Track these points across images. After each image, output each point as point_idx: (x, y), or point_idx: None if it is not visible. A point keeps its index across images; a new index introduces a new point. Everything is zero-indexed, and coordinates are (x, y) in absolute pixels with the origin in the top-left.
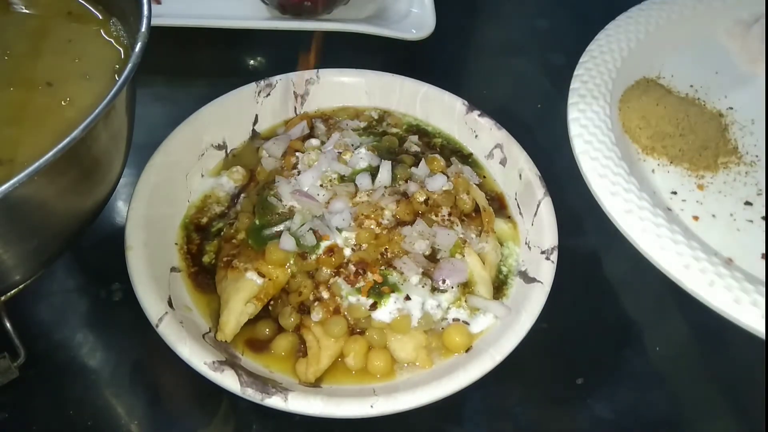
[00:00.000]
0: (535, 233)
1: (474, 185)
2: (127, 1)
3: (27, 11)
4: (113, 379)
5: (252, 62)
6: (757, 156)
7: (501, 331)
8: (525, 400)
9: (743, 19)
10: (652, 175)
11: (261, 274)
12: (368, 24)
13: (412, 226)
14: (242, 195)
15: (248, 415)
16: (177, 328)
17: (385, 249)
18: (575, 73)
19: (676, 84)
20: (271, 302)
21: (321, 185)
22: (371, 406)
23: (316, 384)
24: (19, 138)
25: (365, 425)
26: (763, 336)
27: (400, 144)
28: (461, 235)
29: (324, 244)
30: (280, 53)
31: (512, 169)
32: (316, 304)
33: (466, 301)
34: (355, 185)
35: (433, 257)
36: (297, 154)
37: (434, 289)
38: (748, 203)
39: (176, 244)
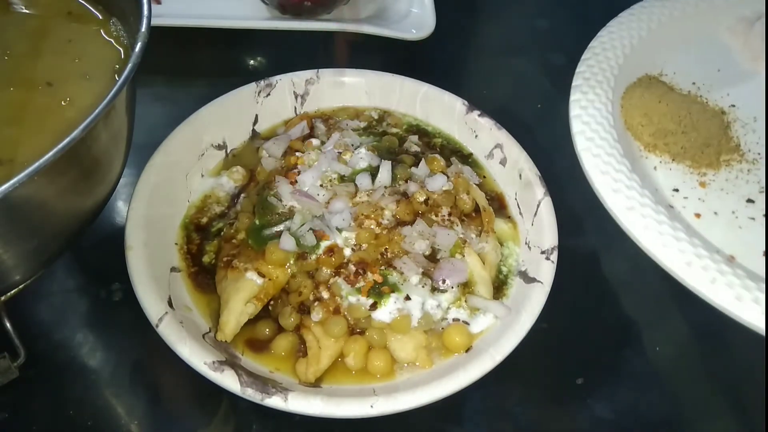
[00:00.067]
0: (535, 233)
1: (474, 185)
2: (127, 1)
3: (27, 11)
4: (113, 379)
5: (252, 62)
6: (759, 153)
7: (501, 331)
8: (525, 400)
9: (745, 17)
10: (654, 173)
11: (261, 274)
12: (368, 24)
13: (412, 226)
14: (242, 195)
15: (248, 415)
16: (177, 328)
17: (385, 249)
18: (577, 69)
19: (679, 81)
20: (271, 302)
21: (321, 185)
22: (371, 406)
23: (316, 384)
24: (19, 138)
25: (365, 425)
26: (764, 333)
27: (400, 144)
28: (461, 235)
29: (324, 244)
30: (280, 53)
31: (512, 169)
32: (316, 304)
33: (466, 301)
34: (355, 185)
35: (433, 257)
36: (297, 153)
37: (434, 289)
38: (750, 201)
39: (176, 244)
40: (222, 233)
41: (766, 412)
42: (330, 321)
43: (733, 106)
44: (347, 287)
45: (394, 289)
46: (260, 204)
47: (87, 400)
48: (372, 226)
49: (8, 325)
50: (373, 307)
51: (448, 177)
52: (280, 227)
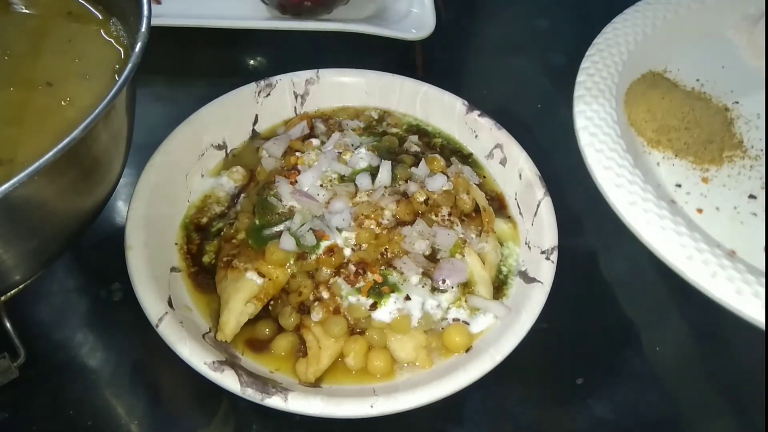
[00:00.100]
0: (535, 233)
1: (474, 185)
2: (127, 1)
3: (27, 11)
4: (113, 379)
5: (252, 62)
6: (762, 150)
7: (501, 331)
8: (525, 400)
9: (750, 14)
10: (657, 168)
11: (261, 274)
12: (368, 24)
13: (412, 226)
14: (242, 195)
15: (248, 415)
16: (177, 328)
17: (385, 249)
18: (582, 65)
19: (683, 78)
20: (271, 302)
21: (321, 185)
22: (371, 406)
23: (316, 384)
24: (19, 138)
25: (365, 425)
26: (764, 327)
27: (400, 144)
28: (461, 235)
29: (324, 244)
30: (280, 53)
31: (512, 169)
32: (316, 304)
33: (466, 301)
34: (355, 185)
35: (433, 257)
36: (297, 153)
37: (434, 289)
38: (752, 196)
39: (176, 244)
40: (222, 233)
41: (766, 412)
42: (330, 321)
43: (737, 102)
44: (347, 287)
45: (394, 289)
46: (260, 204)
47: (87, 400)
48: (372, 226)
49: (8, 325)
50: (373, 307)
51: (448, 177)
52: (280, 227)
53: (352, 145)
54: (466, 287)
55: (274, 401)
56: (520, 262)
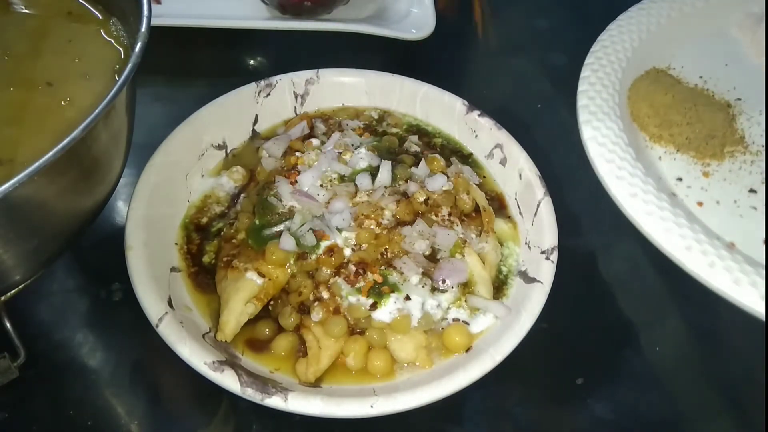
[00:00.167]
0: (535, 233)
1: (474, 185)
2: (127, 1)
3: (27, 11)
4: (113, 379)
5: (252, 62)
6: (763, 146)
7: (501, 331)
8: (525, 400)
9: (754, 13)
10: (659, 162)
11: (261, 274)
12: (368, 24)
13: (412, 226)
14: (242, 195)
15: (248, 415)
16: (177, 328)
17: (385, 249)
18: (586, 61)
19: (686, 75)
20: (271, 302)
21: (321, 185)
22: (371, 406)
23: (316, 384)
24: (19, 138)
25: (365, 425)
26: (763, 318)
27: (400, 144)
28: (461, 235)
29: (324, 244)
30: (280, 53)
31: (512, 169)
32: (316, 304)
33: (466, 301)
34: (355, 185)
35: (433, 257)
36: (297, 153)
37: (434, 289)
38: (752, 191)
39: (176, 244)
40: (222, 233)
41: (766, 412)
42: (330, 321)
43: (740, 99)
44: (347, 287)
45: (394, 289)
46: (260, 204)
47: (87, 400)
48: (372, 226)
49: (8, 325)
50: (373, 307)
51: (448, 177)
52: (280, 227)
53: (352, 145)
54: (466, 287)
55: (274, 401)
56: (520, 262)
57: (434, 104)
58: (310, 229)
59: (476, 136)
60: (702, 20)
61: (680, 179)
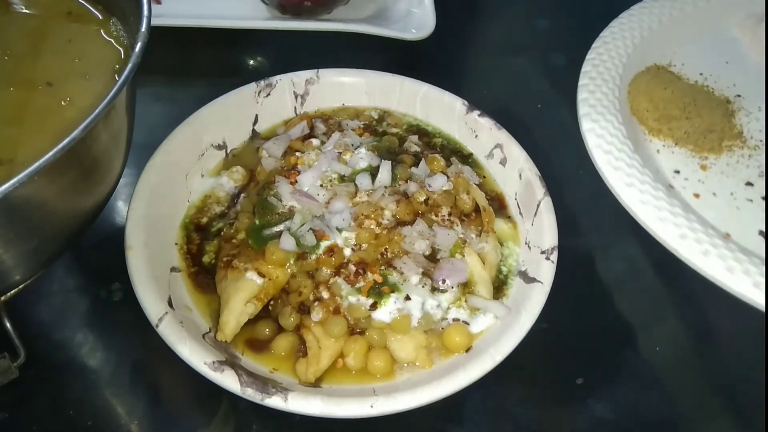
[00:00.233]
0: (535, 233)
1: (474, 185)
2: (127, 1)
3: (27, 11)
4: (113, 379)
5: (252, 62)
6: (761, 141)
7: (501, 331)
8: (525, 400)
9: (755, 13)
10: (657, 155)
11: (261, 274)
12: (368, 24)
13: (412, 226)
14: (242, 195)
15: (248, 415)
16: (177, 328)
17: (385, 249)
18: (587, 57)
19: (687, 72)
20: (271, 302)
21: (321, 185)
22: (371, 406)
23: (316, 384)
24: (19, 138)
25: (365, 425)
26: (758, 306)
27: (400, 144)
28: (461, 235)
29: (324, 244)
30: (280, 53)
31: (512, 169)
32: (316, 304)
33: (466, 301)
34: (355, 185)
35: (433, 257)
36: (297, 153)
37: (434, 289)
38: (749, 184)
39: (176, 244)
40: (222, 233)
41: (767, 412)
42: (330, 321)
43: (739, 96)
44: (347, 287)
45: (394, 289)
46: (260, 204)
47: (87, 400)
48: (372, 226)
49: (8, 325)
50: (373, 307)
51: (448, 177)
52: (280, 227)
53: (352, 145)
54: (466, 287)
55: (274, 401)
56: (520, 262)
57: (434, 104)
58: (310, 229)
59: (476, 136)
60: (703, 19)
61: (678, 172)
